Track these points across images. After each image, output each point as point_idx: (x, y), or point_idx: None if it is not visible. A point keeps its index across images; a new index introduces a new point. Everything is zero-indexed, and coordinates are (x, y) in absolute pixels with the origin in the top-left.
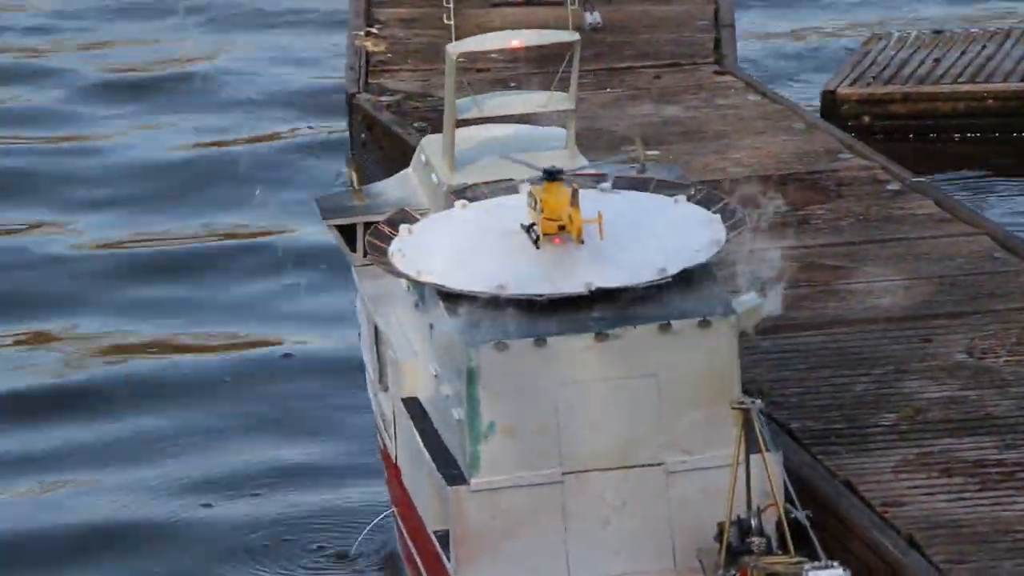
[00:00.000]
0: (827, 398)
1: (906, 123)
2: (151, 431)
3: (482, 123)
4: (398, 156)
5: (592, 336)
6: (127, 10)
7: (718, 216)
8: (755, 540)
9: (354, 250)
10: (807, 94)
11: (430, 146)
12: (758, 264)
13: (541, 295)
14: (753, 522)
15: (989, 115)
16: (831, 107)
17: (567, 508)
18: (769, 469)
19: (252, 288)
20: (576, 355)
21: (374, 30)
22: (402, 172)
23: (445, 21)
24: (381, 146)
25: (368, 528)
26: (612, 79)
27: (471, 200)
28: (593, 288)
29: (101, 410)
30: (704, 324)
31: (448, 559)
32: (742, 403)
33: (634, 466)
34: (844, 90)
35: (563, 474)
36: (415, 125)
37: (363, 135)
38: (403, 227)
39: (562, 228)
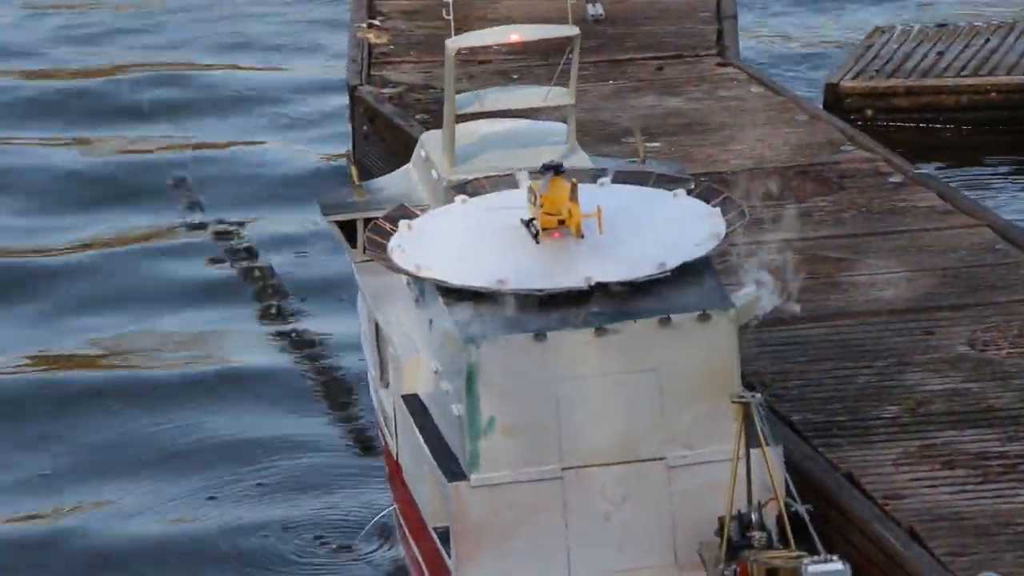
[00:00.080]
0: (829, 390)
1: (909, 116)
2: (151, 431)
3: (482, 118)
4: (400, 148)
5: (592, 331)
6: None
7: (718, 210)
8: (756, 534)
9: (355, 246)
10: (810, 88)
11: (430, 141)
12: (759, 258)
13: (540, 290)
14: (754, 516)
15: (992, 108)
16: (834, 100)
17: (568, 503)
18: (769, 463)
19: None
20: (576, 350)
21: (376, 22)
22: (403, 167)
23: (445, 16)
24: (383, 138)
25: (370, 525)
26: (614, 71)
27: (471, 195)
28: (592, 283)
29: (98, 410)
30: (704, 318)
31: (449, 555)
32: (742, 397)
33: (635, 461)
34: (847, 83)
35: (563, 469)
36: (417, 117)
37: (365, 127)
38: (403, 223)
39: (561, 223)
